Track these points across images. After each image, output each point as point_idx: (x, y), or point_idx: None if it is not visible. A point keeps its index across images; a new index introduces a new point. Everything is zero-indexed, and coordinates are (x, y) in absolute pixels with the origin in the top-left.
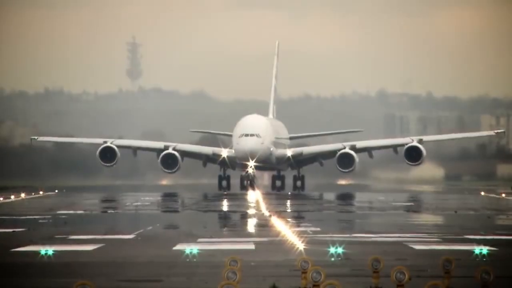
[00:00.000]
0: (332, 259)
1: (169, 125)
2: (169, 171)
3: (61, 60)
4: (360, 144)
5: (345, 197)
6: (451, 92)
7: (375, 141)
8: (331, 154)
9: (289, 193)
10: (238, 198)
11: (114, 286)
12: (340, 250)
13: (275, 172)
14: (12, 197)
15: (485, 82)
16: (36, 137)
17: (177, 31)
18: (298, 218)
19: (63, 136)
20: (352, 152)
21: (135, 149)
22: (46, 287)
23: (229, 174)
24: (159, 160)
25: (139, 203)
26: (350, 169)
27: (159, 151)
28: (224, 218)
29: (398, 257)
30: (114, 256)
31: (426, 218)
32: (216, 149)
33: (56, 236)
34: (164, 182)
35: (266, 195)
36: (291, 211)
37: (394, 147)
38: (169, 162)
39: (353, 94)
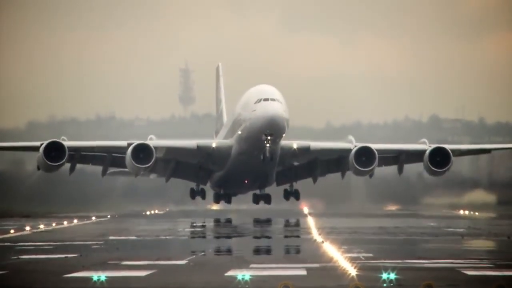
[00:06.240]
0: (385, 285)
1: None
2: (142, 165)
3: (113, 87)
4: (371, 146)
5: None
6: (503, 118)
7: (387, 145)
8: (335, 159)
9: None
10: (287, 224)
11: None
12: (392, 276)
13: (257, 191)
14: (65, 222)
15: None
16: None
17: (230, 57)
18: (351, 243)
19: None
20: (373, 147)
21: (84, 151)
22: None
23: (203, 187)
24: (129, 152)
25: (191, 229)
26: (371, 167)
27: (117, 151)
28: (275, 243)
29: (451, 283)
30: (167, 282)
31: (478, 244)
32: (202, 142)
33: (109, 262)
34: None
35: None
36: (343, 237)
37: (411, 153)
38: (141, 156)
39: (406, 120)
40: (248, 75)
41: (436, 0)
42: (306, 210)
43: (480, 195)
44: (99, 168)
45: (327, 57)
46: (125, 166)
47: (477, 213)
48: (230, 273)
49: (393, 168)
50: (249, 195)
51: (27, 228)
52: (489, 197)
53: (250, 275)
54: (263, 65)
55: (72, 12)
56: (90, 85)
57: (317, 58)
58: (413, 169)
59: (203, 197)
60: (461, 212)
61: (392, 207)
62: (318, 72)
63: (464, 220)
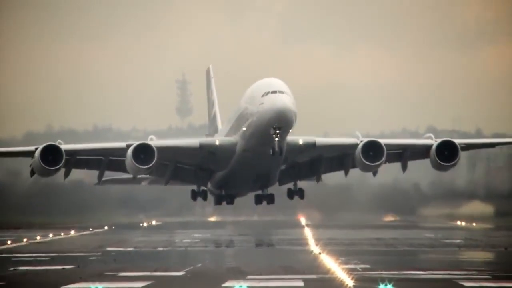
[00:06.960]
0: None
1: None
2: (143, 166)
3: (110, 98)
4: (379, 140)
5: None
6: (500, 129)
7: (393, 140)
8: (339, 156)
9: None
10: (286, 233)
11: None
12: (389, 287)
13: (259, 191)
14: (62, 234)
15: None
16: None
17: (227, 67)
18: (348, 254)
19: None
20: (381, 141)
21: (81, 154)
22: None
23: (204, 188)
24: (129, 153)
25: (188, 240)
26: (379, 162)
27: (115, 153)
28: (273, 254)
29: None
30: None
31: (476, 255)
32: (204, 139)
33: (106, 273)
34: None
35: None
36: (341, 248)
37: (416, 148)
38: (142, 157)
39: (403, 132)
40: (246, 85)
41: (433, 12)
42: (303, 221)
43: (477, 206)
44: (95, 178)
45: (325, 68)
46: (122, 170)
47: (474, 224)
48: (227, 284)
49: (391, 178)
50: (250, 198)
51: (24, 239)
52: (486, 208)
53: (247, 286)
54: (260, 76)
55: (68, 24)
56: (88, 96)
57: (314, 69)
58: (411, 180)
59: (205, 198)
60: (459, 223)
61: (390, 218)
62: (315, 82)
63: (461, 231)
